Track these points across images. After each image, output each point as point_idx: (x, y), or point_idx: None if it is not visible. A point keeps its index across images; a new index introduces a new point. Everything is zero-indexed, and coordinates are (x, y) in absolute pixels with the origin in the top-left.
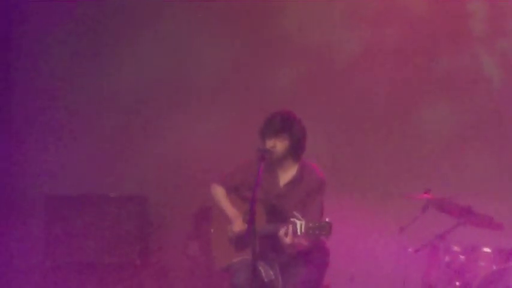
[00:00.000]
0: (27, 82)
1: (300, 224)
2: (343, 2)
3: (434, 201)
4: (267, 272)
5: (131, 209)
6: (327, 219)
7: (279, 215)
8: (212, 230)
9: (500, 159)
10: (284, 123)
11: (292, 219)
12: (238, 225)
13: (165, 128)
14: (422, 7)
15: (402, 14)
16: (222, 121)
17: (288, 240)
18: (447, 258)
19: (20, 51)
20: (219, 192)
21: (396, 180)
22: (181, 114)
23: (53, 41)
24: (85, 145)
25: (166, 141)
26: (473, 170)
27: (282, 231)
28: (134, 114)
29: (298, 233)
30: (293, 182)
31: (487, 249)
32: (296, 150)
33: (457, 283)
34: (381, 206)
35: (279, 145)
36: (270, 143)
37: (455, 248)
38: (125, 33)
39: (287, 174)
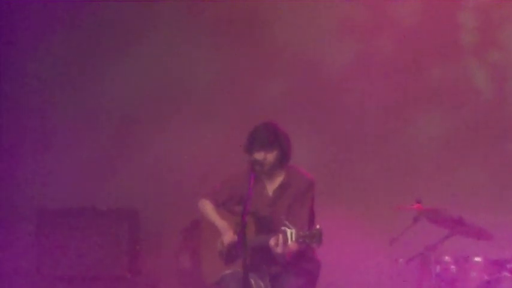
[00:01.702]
0: (16, 93)
1: (290, 233)
2: (335, 14)
3: (425, 212)
4: (257, 285)
5: (121, 222)
6: (317, 227)
7: (269, 226)
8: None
9: (491, 171)
10: (271, 136)
11: (282, 228)
12: (229, 237)
13: (155, 142)
14: (413, 19)
15: (393, 26)
16: (213, 134)
17: (278, 250)
18: (438, 269)
19: (9, 62)
20: (207, 207)
21: (387, 191)
22: (172, 128)
23: (43, 51)
24: (75, 158)
25: (157, 154)
26: (464, 181)
27: (272, 241)
28: (125, 127)
29: (289, 242)
30: (281, 187)
31: (478, 259)
32: (283, 158)
33: None
34: (371, 217)
35: (269, 157)
36: (259, 156)
37: (447, 259)
38: (116, 44)
39: (275, 182)
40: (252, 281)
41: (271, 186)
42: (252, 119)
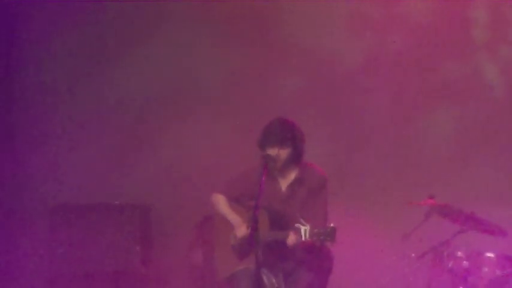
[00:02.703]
0: (27, 91)
1: (304, 230)
2: (346, 10)
3: (437, 208)
4: (270, 281)
5: (134, 217)
6: (331, 225)
7: (282, 222)
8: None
9: (502, 166)
10: (285, 132)
11: (296, 225)
12: (242, 231)
13: (168, 137)
14: (424, 15)
15: (404, 22)
16: (225, 130)
17: (292, 246)
18: (451, 264)
19: (20, 60)
20: (220, 201)
21: (399, 187)
22: (184, 123)
23: (53, 50)
24: (88, 154)
25: (169, 149)
26: (476, 176)
27: (286, 238)
28: (138, 123)
29: (303, 239)
30: (295, 183)
31: (490, 255)
32: (297, 156)
33: None
34: (384, 213)
35: (282, 153)
36: (273, 152)
37: (459, 254)
38: (126, 43)
39: (288, 178)
40: (265, 277)
41: (284, 182)
42: (265, 116)
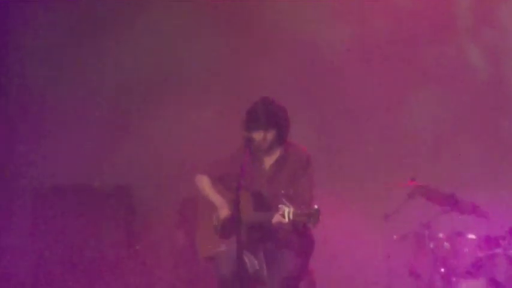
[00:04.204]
0: (13, 72)
1: (288, 211)
2: None
3: (419, 189)
4: (251, 262)
5: (116, 199)
6: (315, 207)
7: (266, 202)
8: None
9: (485, 148)
10: (270, 115)
11: (280, 206)
12: (224, 212)
13: (151, 119)
14: None
15: (389, 7)
16: (209, 112)
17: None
18: (432, 245)
19: (6, 38)
20: (204, 182)
21: (382, 169)
22: (167, 106)
23: (38, 32)
24: (70, 136)
25: (152, 132)
26: (459, 158)
27: (269, 220)
28: (120, 105)
29: (286, 220)
30: (278, 162)
31: (472, 236)
32: (281, 137)
33: (442, 269)
34: (366, 194)
35: (268, 136)
36: (258, 136)
37: (440, 235)
38: (112, 24)
39: (272, 157)
40: (246, 259)
41: (268, 162)
42: (248, 99)
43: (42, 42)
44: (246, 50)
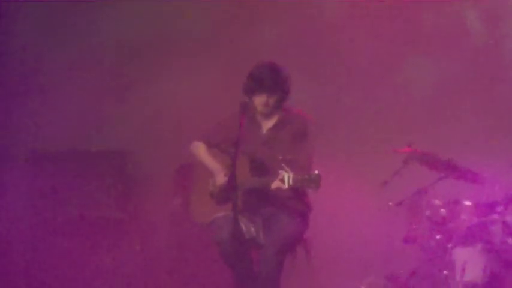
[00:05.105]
0: (8, 35)
1: (287, 177)
2: None
3: (416, 155)
4: (248, 229)
5: (113, 163)
6: (316, 172)
7: (263, 167)
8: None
9: (483, 115)
10: (274, 79)
11: (280, 171)
12: (221, 178)
13: (147, 84)
14: None
15: None
16: (206, 77)
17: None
18: (428, 212)
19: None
20: (200, 148)
21: (378, 135)
22: (164, 71)
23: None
24: (66, 101)
25: (149, 96)
26: (456, 125)
27: (266, 185)
28: (116, 70)
29: (286, 185)
30: (276, 126)
31: (468, 203)
32: (282, 102)
33: (438, 236)
34: (362, 160)
35: (270, 100)
36: (261, 99)
37: (437, 202)
38: None
39: (270, 122)
40: (243, 225)
41: (266, 126)
42: (246, 64)
43: (38, 4)
44: (244, 16)
